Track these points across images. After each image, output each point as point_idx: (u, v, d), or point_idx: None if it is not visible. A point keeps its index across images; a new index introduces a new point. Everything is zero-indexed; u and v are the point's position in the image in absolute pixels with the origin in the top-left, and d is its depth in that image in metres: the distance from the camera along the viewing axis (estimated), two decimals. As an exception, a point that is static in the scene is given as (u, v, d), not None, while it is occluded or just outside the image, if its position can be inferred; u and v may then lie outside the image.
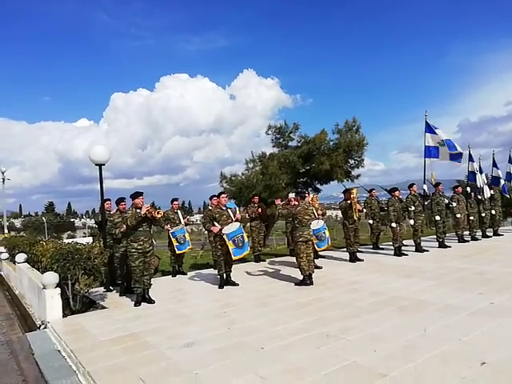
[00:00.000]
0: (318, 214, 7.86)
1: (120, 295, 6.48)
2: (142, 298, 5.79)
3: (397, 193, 9.31)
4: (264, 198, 11.80)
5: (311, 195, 8.46)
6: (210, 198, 7.95)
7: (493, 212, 12.21)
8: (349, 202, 8.56)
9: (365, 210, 10.18)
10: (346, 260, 8.81)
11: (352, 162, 13.10)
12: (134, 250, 5.65)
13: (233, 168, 17.43)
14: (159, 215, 5.63)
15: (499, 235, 12.11)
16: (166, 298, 6.12)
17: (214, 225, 6.63)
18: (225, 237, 6.48)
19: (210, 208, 7.37)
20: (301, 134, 13.45)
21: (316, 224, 7.53)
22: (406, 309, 4.80)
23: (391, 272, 7.28)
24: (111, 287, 6.89)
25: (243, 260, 8.52)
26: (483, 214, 11.90)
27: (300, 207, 6.57)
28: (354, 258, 8.62)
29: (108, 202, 7.30)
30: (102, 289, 6.87)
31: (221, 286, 6.64)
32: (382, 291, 5.75)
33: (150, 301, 5.79)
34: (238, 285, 6.73)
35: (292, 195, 8.40)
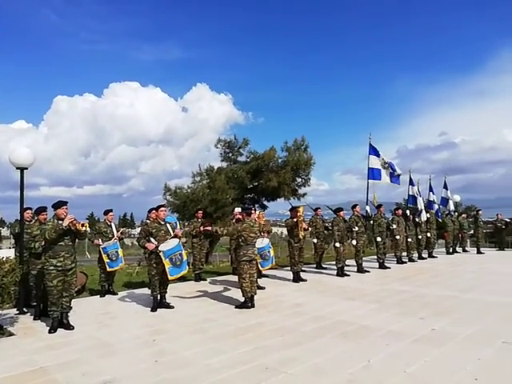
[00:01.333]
0: (264, 232, 7.57)
1: (34, 319, 5.63)
2: (59, 323, 5.04)
3: (341, 213, 9.33)
4: (210, 212, 11.37)
5: (257, 212, 8.17)
6: (149, 211, 7.36)
7: (428, 235, 12.75)
8: (295, 220, 8.38)
9: (310, 229, 10.10)
10: (289, 280, 8.57)
11: (299, 180, 13.15)
12: (52, 268, 4.92)
13: (180, 181, 16.83)
14: (84, 228, 4.97)
15: (433, 257, 12.66)
16: (88, 323, 5.39)
17: (149, 241, 6.05)
18: (161, 254, 5.92)
19: (147, 222, 6.78)
20: (250, 149, 13.32)
21: (261, 242, 7.22)
22: (349, 335, 4.58)
23: (334, 294, 7.13)
24: (25, 309, 6.00)
25: (182, 279, 7.97)
26: (420, 237, 12.38)
27: (246, 224, 6.23)
28: (297, 278, 8.41)
29: (28, 211, 6.46)
30: (14, 310, 5.97)
31: (154, 309, 6.03)
32: (326, 315, 5.52)
33: (69, 326, 5.05)
34: (173, 307, 6.17)
35: (238, 210, 8.06)
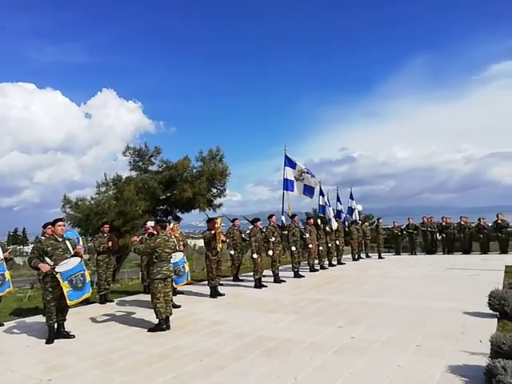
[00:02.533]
0: (180, 246, 7.10)
1: None
2: None
3: (258, 223, 9.27)
4: (117, 226, 10.43)
5: (172, 224, 7.66)
6: (44, 227, 6.40)
7: (337, 242, 13.45)
8: (213, 232, 8.06)
9: (227, 240, 9.86)
10: (206, 295, 8.17)
11: (215, 190, 12.84)
12: None
13: (82, 192, 15.24)
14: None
15: (342, 264, 13.36)
16: (-40, 366, 4.37)
17: (43, 261, 5.18)
18: (58, 276, 5.10)
19: (41, 239, 5.85)
20: (163, 158, 12.63)
21: (174, 257, 6.72)
22: (273, 352, 4.38)
23: (254, 307, 6.94)
24: None
25: (85, 302, 7.05)
26: (330, 245, 12.97)
27: (160, 239, 5.72)
28: (215, 293, 8.05)
29: None
30: None
31: (49, 341, 5.15)
32: (247, 331, 5.27)
33: None
34: (73, 337, 5.34)
35: (151, 223, 7.46)
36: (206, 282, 8.45)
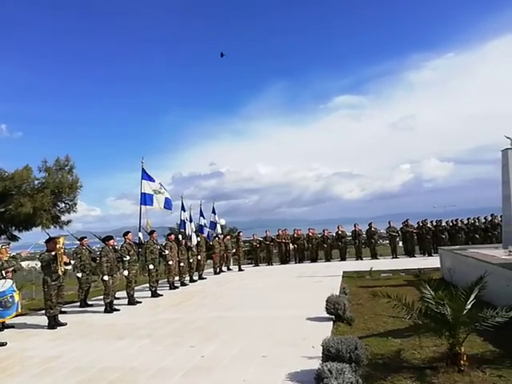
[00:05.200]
0: (8, 273, 6.00)
1: None
2: None
3: (111, 241, 8.55)
4: None
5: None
6: None
7: (199, 257, 13.39)
8: (53, 253, 7.04)
9: (73, 262, 8.80)
10: (44, 326, 7.06)
11: (62, 205, 11.46)
12: None
13: None
14: None
15: (203, 279, 13.33)
16: None
17: None
18: None
19: None
20: (-5, 168, 10.72)
21: (1, 286, 5.65)
22: (114, 385, 3.97)
23: (100, 335, 6.28)
24: None
25: None
26: (191, 260, 12.82)
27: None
28: (54, 323, 7.01)
29: None
30: None
31: None
32: (87, 364, 4.70)
33: None
34: None
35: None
36: (44, 312, 7.32)
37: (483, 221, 16.94)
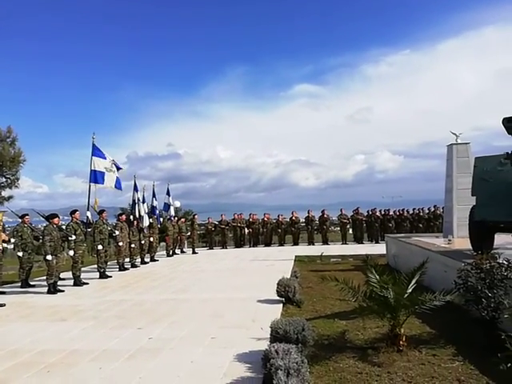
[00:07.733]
0: None
1: None
2: None
3: (56, 220, 8.09)
4: None
5: None
6: None
7: (151, 239, 13.09)
8: (-11, 230, 6.57)
9: (13, 240, 8.26)
10: (-22, 308, 6.61)
11: (3, 180, 10.66)
12: None
13: None
14: None
15: (155, 261, 13.08)
16: None
17: None
18: None
19: None
20: None
21: None
22: (54, 368, 3.79)
23: (42, 316, 5.96)
24: None
25: None
26: (143, 242, 12.50)
27: None
28: (-10, 305, 6.59)
29: None
30: None
31: None
32: (25, 347, 4.45)
33: None
34: None
35: None
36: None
37: (427, 211, 17.94)
